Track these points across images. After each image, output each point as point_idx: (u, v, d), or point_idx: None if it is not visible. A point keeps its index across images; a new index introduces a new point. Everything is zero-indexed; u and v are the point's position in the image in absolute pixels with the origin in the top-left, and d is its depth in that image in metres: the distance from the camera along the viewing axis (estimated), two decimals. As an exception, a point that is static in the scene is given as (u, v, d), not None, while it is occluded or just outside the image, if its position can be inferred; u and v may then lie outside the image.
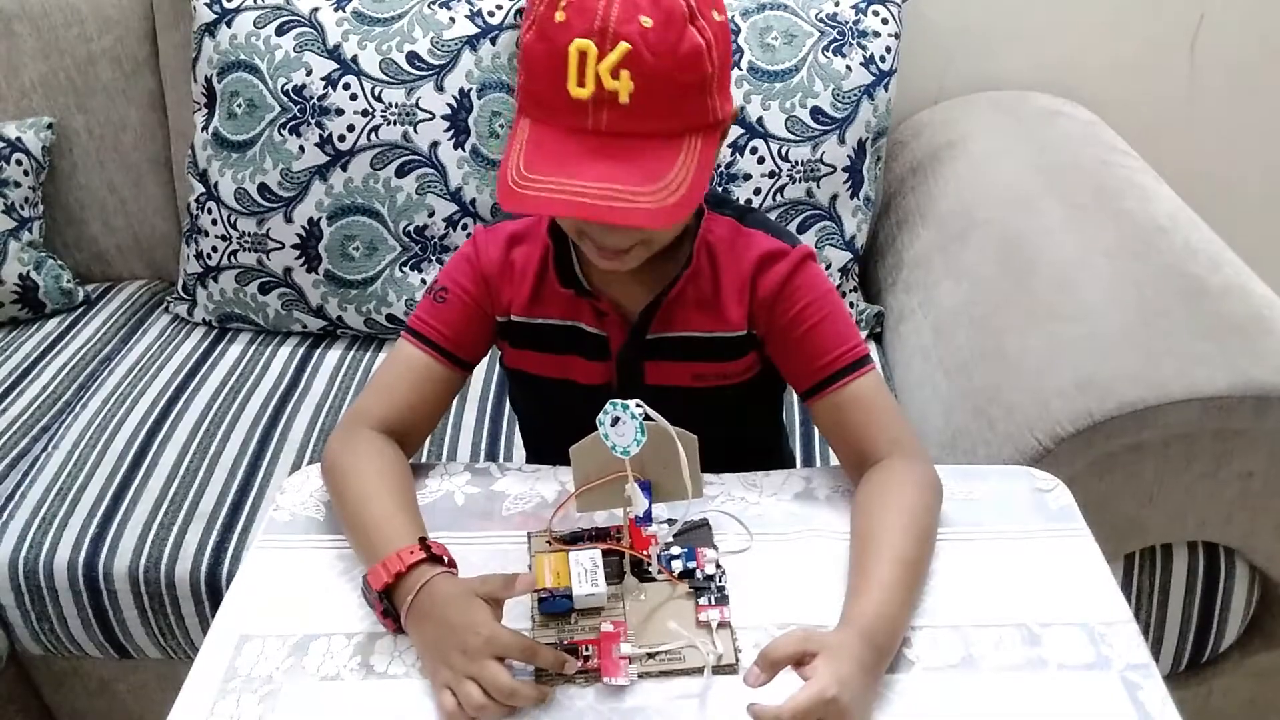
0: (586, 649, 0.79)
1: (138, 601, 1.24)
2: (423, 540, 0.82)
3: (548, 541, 0.89)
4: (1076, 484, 0.97)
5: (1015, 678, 0.78)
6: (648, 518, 0.78)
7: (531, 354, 0.98)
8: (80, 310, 1.72)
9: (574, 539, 0.89)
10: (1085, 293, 1.21)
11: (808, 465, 1.31)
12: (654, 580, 0.86)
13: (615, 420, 0.73)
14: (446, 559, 0.83)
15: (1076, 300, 1.20)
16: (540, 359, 0.98)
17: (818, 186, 1.51)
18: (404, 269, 1.56)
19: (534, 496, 0.96)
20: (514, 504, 0.96)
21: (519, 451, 1.35)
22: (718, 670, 0.79)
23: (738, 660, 0.80)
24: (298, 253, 1.56)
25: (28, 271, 1.67)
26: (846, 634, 0.76)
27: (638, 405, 0.74)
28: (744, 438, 1.07)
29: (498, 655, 0.75)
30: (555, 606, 0.83)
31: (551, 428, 0.81)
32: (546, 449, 1.07)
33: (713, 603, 0.84)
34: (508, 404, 1.44)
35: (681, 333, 0.95)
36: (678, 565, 0.87)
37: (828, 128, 1.50)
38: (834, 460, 0.98)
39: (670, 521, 0.89)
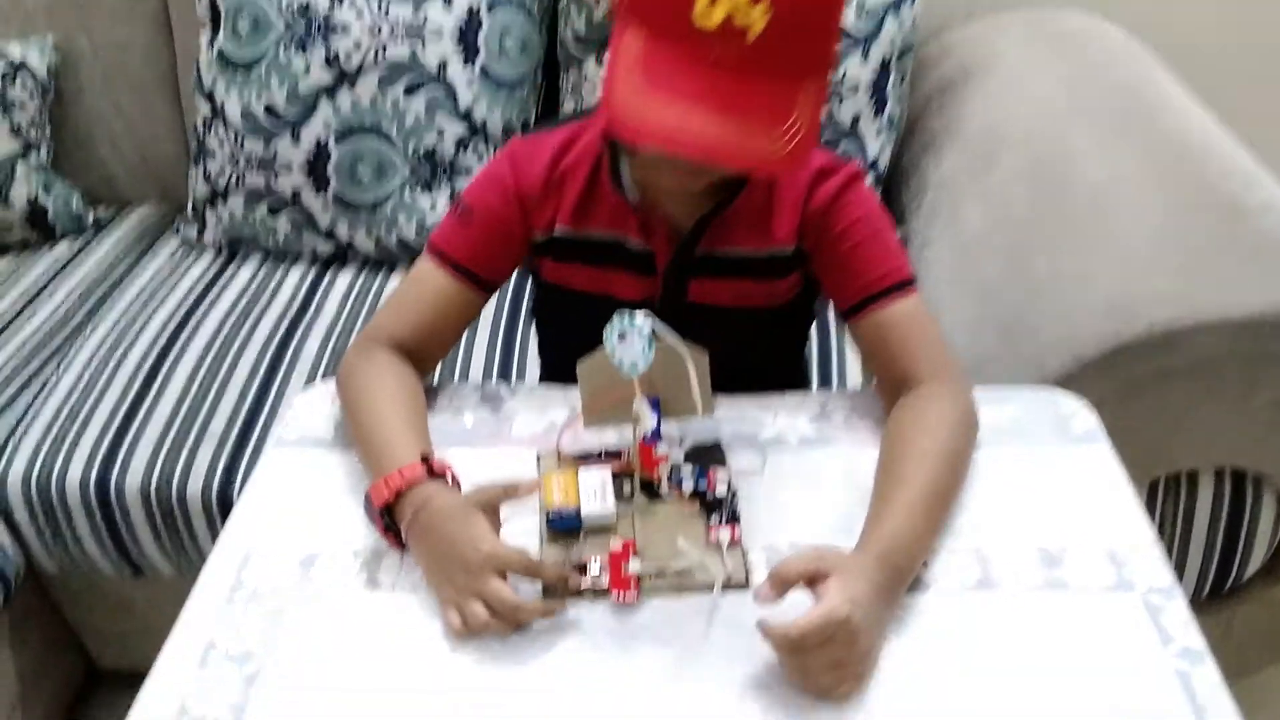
0: (595, 567, 0.78)
1: (149, 519, 1.24)
2: (425, 457, 0.81)
3: (557, 462, 0.87)
4: (1102, 409, 0.94)
5: (1034, 600, 0.76)
6: (657, 435, 0.76)
7: (573, 268, 0.94)
8: (90, 233, 1.71)
9: (583, 459, 0.87)
10: (1117, 214, 1.16)
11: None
12: (664, 500, 0.84)
13: (622, 335, 0.70)
14: (449, 476, 0.81)
15: (1107, 222, 1.16)
16: (582, 273, 0.94)
17: (839, 106, 1.46)
18: (414, 191, 1.53)
19: (545, 418, 0.94)
20: (524, 425, 0.94)
21: (532, 371, 1.33)
22: (727, 588, 0.78)
23: (748, 578, 0.78)
24: (306, 174, 1.53)
25: (36, 195, 1.65)
26: (862, 556, 0.74)
27: (645, 318, 0.71)
28: (768, 369, 1.04)
29: (500, 570, 0.74)
30: (564, 525, 0.81)
31: (580, 344, 0.79)
32: (568, 366, 1.05)
33: (723, 522, 0.82)
34: (520, 323, 1.42)
35: (730, 249, 0.92)
36: (688, 485, 0.85)
37: (850, 45, 1.44)
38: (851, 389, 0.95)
39: (682, 441, 0.87)
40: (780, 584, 0.73)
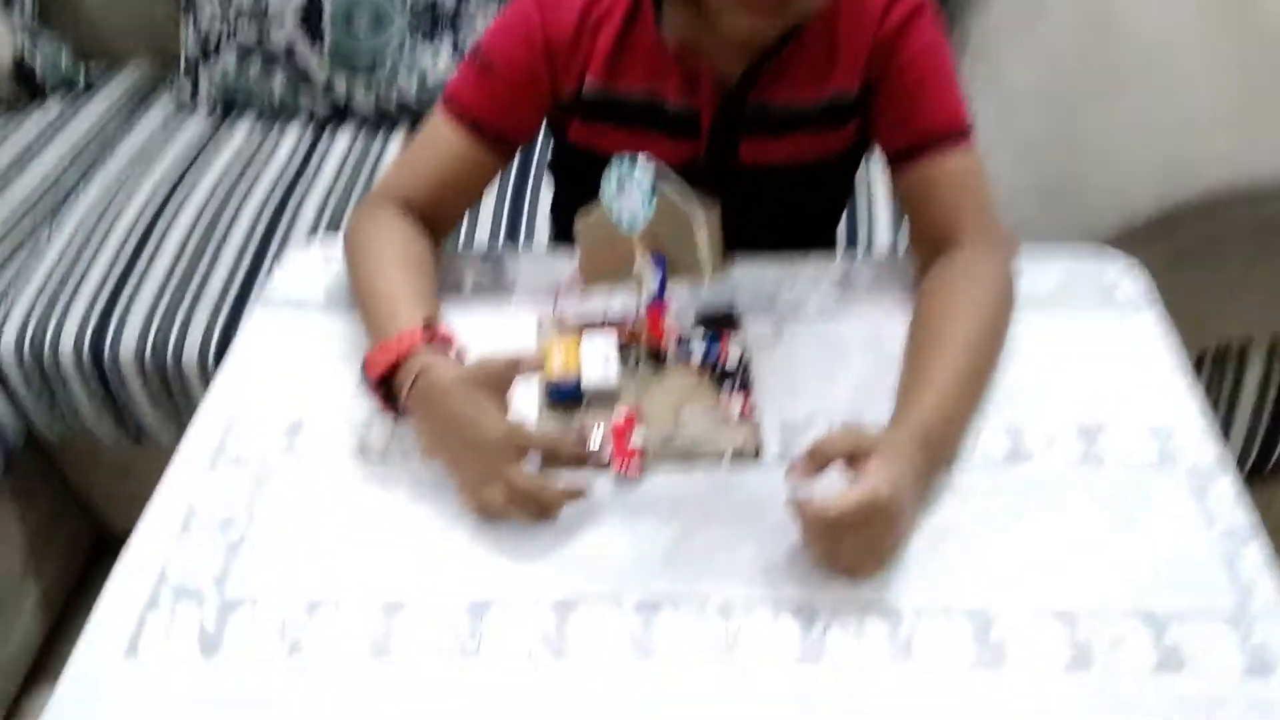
0: (597, 439, 0.73)
1: (145, 384, 1.20)
2: (428, 324, 0.75)
3: (558, 328, 0.82)
4: (1152, 277, 0.86)
5: (1072, 474, 0.71)
6: (661, 297, 0.69)
7: (603, 129, 0.86)
8: (81, 92, 1.63)
9: (587, 325, 0.82)
10: (1174, 68, 1.06)
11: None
12: (672, 370, 0.78)
13: (620, 185, 0.63)
14: (454, 347, 0.75)
15: (1164, 76, 1.06)
16: (613, 135, 0.86)
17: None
18: (415, 44, 1.43)
19: (550, 283, 0.88)
20: (527, 290, 0.88)
21: (542, 231, 1.26)
22: (737, 460, 0.73)
23: (759, 450, 0.73)
24: (300, 26, 1.43)
25: (23, 50, 1.57)
26: (901, 435, 0.68)
27: (645, 164, 0.64)
28: (804, 233, 0.97)
29: (518, 453, 0.68)
30: (564, 396, 0.76)
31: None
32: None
33: (734, 391, 0.77)
34: (531, 178, 1.35)
35: (784, 100, 0.83)
36: (698, 354, 0.79)
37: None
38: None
39: (693, 307, 0.81)
40: (818, 461, 0.67)
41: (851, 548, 0.65)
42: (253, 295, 1.22)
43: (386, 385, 0.73)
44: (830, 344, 0.81)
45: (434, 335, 0.74)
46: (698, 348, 0.80)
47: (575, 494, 0.69)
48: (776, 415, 0.76)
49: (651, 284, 0.69)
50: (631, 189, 0.63)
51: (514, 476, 0.67)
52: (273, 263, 1.26)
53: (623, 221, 0.66)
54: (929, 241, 0.82)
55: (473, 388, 0.69)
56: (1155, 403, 0.76)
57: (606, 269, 0.70)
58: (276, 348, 0.84)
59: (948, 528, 0.68)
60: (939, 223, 0.82)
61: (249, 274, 1.25)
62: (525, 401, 0.76)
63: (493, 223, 1.28)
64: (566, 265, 0.89)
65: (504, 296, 0.87)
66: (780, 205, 0.80)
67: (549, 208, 1.08)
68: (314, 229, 1.31)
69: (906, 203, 0.85)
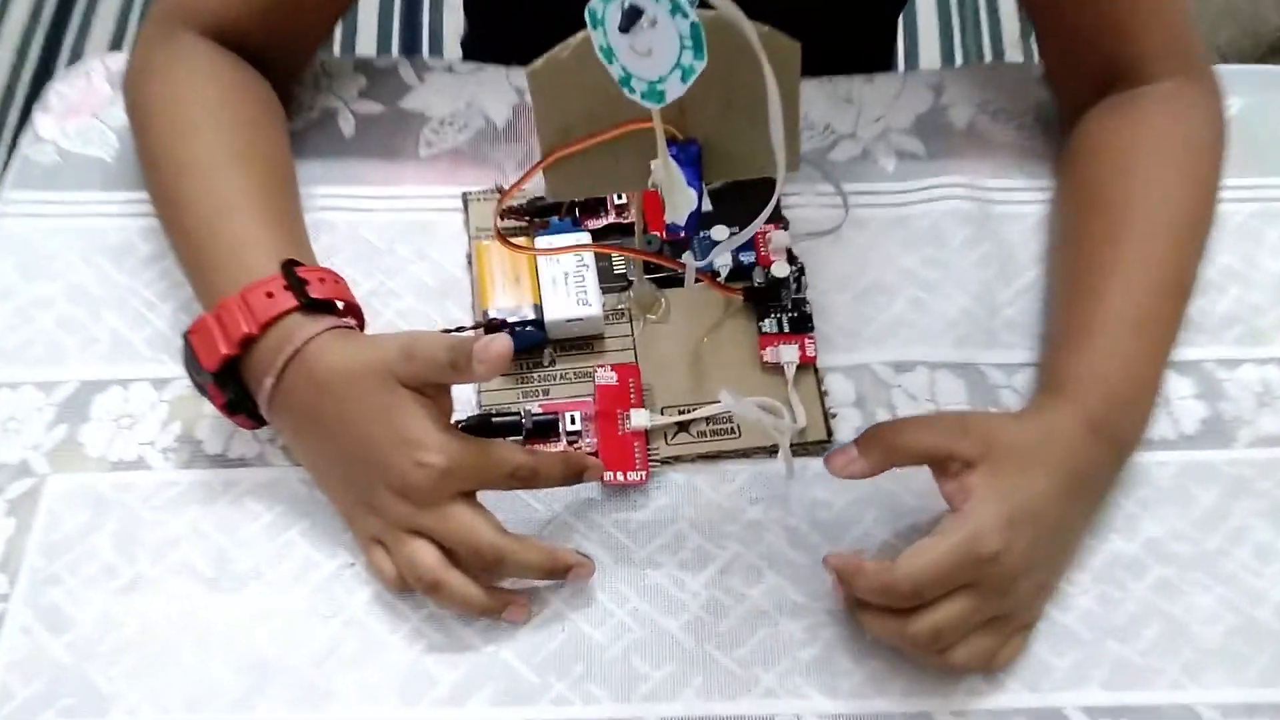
0: (572, 422, 0.46)
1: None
2: (291, 267, 0.43)
3: (499, 215, 0.51)
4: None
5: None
6: (693, 225, 0.39)
7: None
8: None
9: (542, 211, 0.51)
10: None
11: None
12: (685, 289, 0.49)
13: (631, 16, 0.30)
14: (342, 304, 0.44)
15: None
16: None
17: None
18: None
19: (475, 119, 0.56)
20: (440, 134, 0.56)
21: (452, 42, 0.90)
22: (799, 451, 0.46)
23: (830, 433, 0.47)
24: None
25: None
26: (1044, 421, 0.42)
27: None
28: (847, 51, 0.65)
29: (465, 490, 0.40)
30: (522, 339, 0.48)
31: None
32: (515, 34, 0.65)
33: (786, 328, 0.49)
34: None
35: None
36: (723, 260, 0.50)
37: None
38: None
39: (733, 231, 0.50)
40: (880, 455, 0.41)
41: (949, 627, 0.39)
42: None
43: (231, 376, 0.43)
44: (927, 231, 0.53)
45: (302, 289, 0.42)
46: (723, 251, 0.50)
47: (583, 566, 0.42)
48: (847, 363, 0.49)
49: (681, 200, 0.37)
50: (662, 19, 0.30)
51: (460, 528, 0.40)
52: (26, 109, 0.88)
53: (641, 90, 0.34)
54: (1087, 72, 0.52)
55: (393, 386, 0.40)
56: None
57: (588, 162, 0.39)
58: (40, 260, 0.52)
59: (1127, 563, 0.44)
60: (1104, 46, 0.51)
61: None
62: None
63: (379, 29, 0.90)
64: (499, 88, 0.57)
65: (405, 146, 0.55)
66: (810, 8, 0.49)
67: (461, 2, 0.72)
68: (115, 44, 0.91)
69: (1044, 25, 0.54)
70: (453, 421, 0.44)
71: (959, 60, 1.16)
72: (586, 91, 0.35)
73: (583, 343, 0.49)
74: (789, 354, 0.48)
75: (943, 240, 0.53)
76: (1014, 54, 1.12)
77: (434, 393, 0.40)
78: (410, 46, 0.95)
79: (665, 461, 0.46)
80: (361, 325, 0.45)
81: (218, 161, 0.47)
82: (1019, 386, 0.48)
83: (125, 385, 0.48)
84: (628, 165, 0.38)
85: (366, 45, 0.95)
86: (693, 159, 0.37)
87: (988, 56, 1.16)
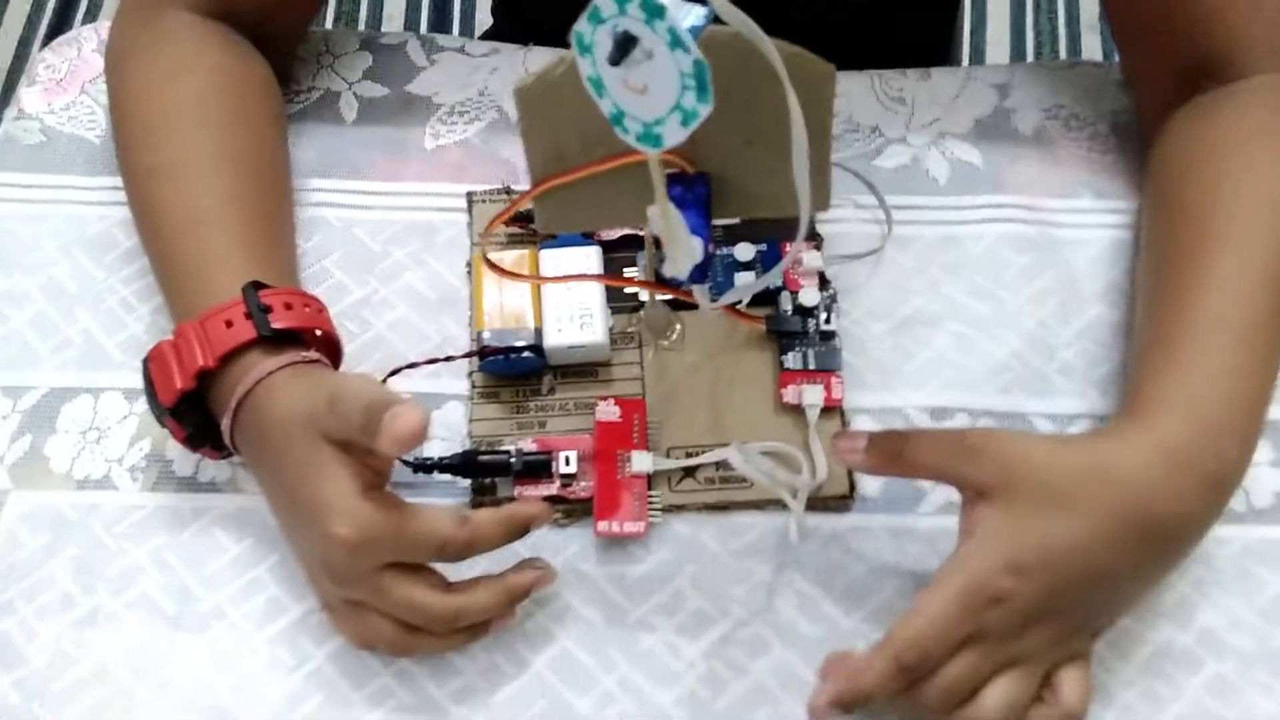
0: (566, 463, 0.42)
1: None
2: (254, 291, 0.39)
3: (505, 222, 0.46)
4: None
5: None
6: (701, 274, 0.33)
7: None
8: None
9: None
10: None
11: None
12: (701, 316, 0.44)
13: (623, 46, 0.25)
14: (314, 333, 0.40)
15: None
16: None
17: None
18: None
19: (487, 109, 0.52)
20: (449, 124, 0.51)
21: (482, 13, 0.85)
22: (818, 506, 0.42)
23: (853, 487, 0.42)
24: None
25: None
26: (1106, 451, 0.35)
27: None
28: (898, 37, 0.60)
29: (392, 561, 0.36)
30: (509, 366, 0.43)
31: None
32: (538, 25, 0.59)
33: (811, 364, 0.44)
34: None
35: None
36: (745, 280, 0.45)
37: None
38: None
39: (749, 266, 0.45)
40: (882, 459, 0.37)
41: (965, 678, 0.34)
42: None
43: (194, 405, 0.39)
44: (981, 259, 0.47)
45: (264, 319, 0.38)
46: (743, 271, 0.45)
47: (523, 588, 0.38)
48: (880, 406, 0.44)
49: (685, 250, 0.32)
50: (657, 52, 0.25)
51: (392, 593, 0.36)
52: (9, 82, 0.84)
53: (633, 125, 0.28)
54: (1174, 70, 0.45)
55: (317, 443, 0.35)
56: None
57: (580, 197, 0.34)
58: (17, 242, 0.49)
59: (1178, 656, 0.39)
60: (1194, 36, 0.44)
61: None
62: (450, 370, 0.44)
63: (407, 5, 0.85)
64: (516, 69, 0.52)
65: (407, 138, 0.51)
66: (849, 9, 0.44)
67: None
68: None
69: (1120, 17, 0.47)
70: (437, 458, 0.41)
71: (1030, 43, 1.07)
72: (583, 115, 0.30)
73: (586, 369, 0.44)
74: (812, 395, 0.43)
75: (997, 268, 0.47)
76: (1090, 37, 1.03)
77: (360, 450, 0.35)
78: (441, 10, 0.90)
79: (668, 510, 0.42)
80: (335, 356, 0.41)
81: (196, 163, 0.43)
82: (1071, 441, 0.43)
83: (95, 394, 0.45)
84: (628, 198, 0.33)
85: (394, 9, 0.90)
86: (699, 200, 0.32)
87: (1062, 40, 1.06)
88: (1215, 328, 0.38)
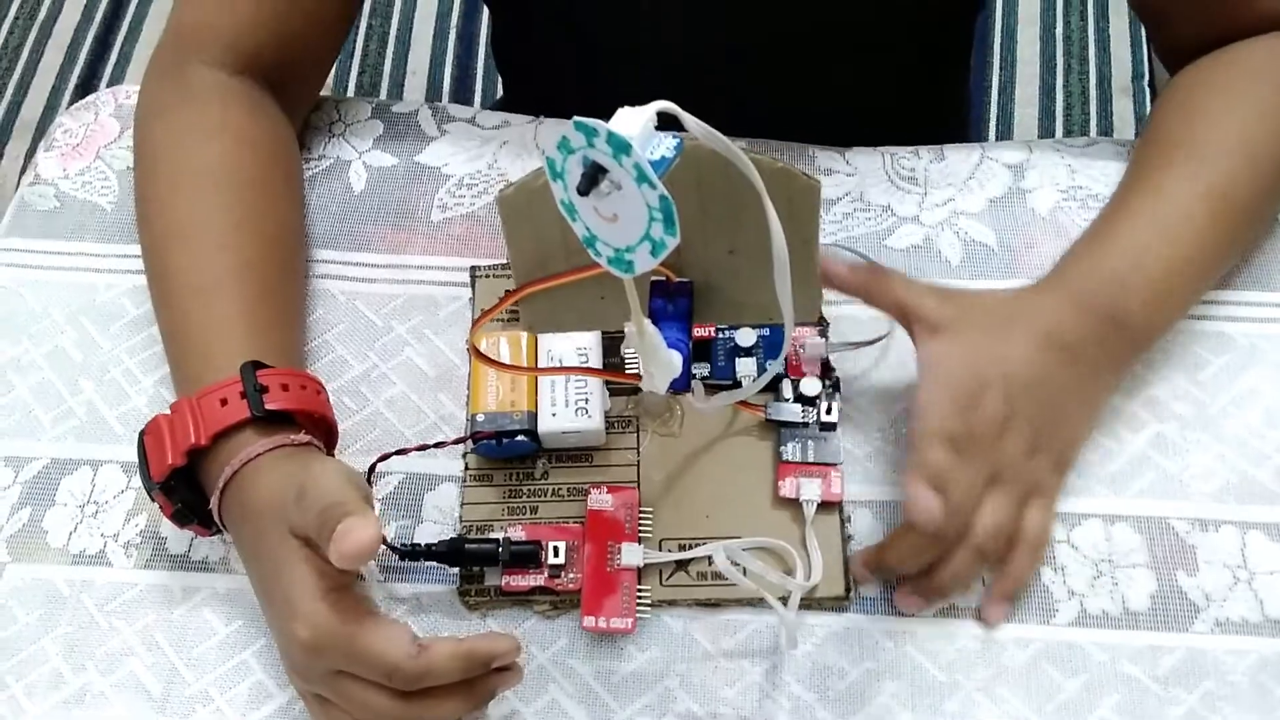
0: (555, 554, 0.41)
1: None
2: (252, 371, 0.39)
3: (506, 289, 0.45)
4: None
5: None
6: (685, 383, 0.33)
7: None
8: None
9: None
10: None
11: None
12: (697, 405, 0.44)
13: (592, 176, 0.24)
14: (308, 416, 0.40)
15: None
16: None
17: None
18: None
19: (495, 182, 0.51)
20: (456, 197, 0.51)
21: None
22: (813, 606, 0.41)
23: (849, 588, 0.41)
24: None
25: None
26: (1031, 294, 0.43)
27: (649, 122, 0.24)
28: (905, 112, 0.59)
29: (345, 670, 0.35)
30: (502, 450, 0.43)
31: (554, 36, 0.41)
32: (544, 76, 0.59)
33: (810, 456, 0.43)
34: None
35: None
36: (748, 367, 0.44)
37: None
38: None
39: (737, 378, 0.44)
40: (859, 285, 0.42)
41: (964, 492, 0.39)
42: None
43: (186, 480, 0.39)
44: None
45: (258, 401, 0.38)
46: (744, 357, 0.44)
47: (484, 658, 0.36)
48: (877, 498, 0.43)
49: (658, 372, 0.31)
50: (625, 183, 0.25)
51: (352, 696, 0.35)
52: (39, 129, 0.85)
53: (605, 249, 0.27)
54: (1192, 37, 0.47)
55: (284, 537, 0.35)
56: None
57: (564, 301, 0.33)
58: (26, 310, 0.49)
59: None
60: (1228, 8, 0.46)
61: None
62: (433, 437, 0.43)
63: (430, 70, 0.85)
64: (524, 138, 0.52)
65: (414, 206, 0.51)
66: (852, 62, 0.46)
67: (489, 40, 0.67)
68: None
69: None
70: (425, 545, 0.40)
71: (1059, 105, 1.05)
72: (564, 223, 0.30)
73: (582, 454, 0.44)
74: (810, 490, 0.42)
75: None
76: (1122, 100, 1.00)
77: (320, 560, 0.35)
78: (463, 77, 0.90)
79: (657, 605, 0.41)
80: (330, 437, 0.41)
81: (212, 230, 0.43)
82: (1078, 542, 0.42)
83: (95, 467, 0.45)
84: (611, 303, 0.33)
85: (416, 78, 0.91)
86: (681, 313, 0.31)
87: (1093, 103, 1.04)
88: (1143, 222, 0.43)
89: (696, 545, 0.41)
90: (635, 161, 0.23)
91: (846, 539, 0.42)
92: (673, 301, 0.31)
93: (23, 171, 0.80)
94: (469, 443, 0.43)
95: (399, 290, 0.49)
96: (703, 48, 0.53)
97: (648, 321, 0.30)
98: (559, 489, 0.43)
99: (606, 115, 0.55)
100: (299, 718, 0.39)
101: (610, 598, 0.40)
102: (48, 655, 0.41)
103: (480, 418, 0.43)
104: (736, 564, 0.37)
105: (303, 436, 0.39)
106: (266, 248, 0.44)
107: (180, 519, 0.40)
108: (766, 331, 0.45)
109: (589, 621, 0.40)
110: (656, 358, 0.31)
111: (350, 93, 1.09)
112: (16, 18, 1.25)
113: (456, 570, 0.41)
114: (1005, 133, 1.07)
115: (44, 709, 0.40)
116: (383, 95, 1.03)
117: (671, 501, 0.43)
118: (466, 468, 0.44)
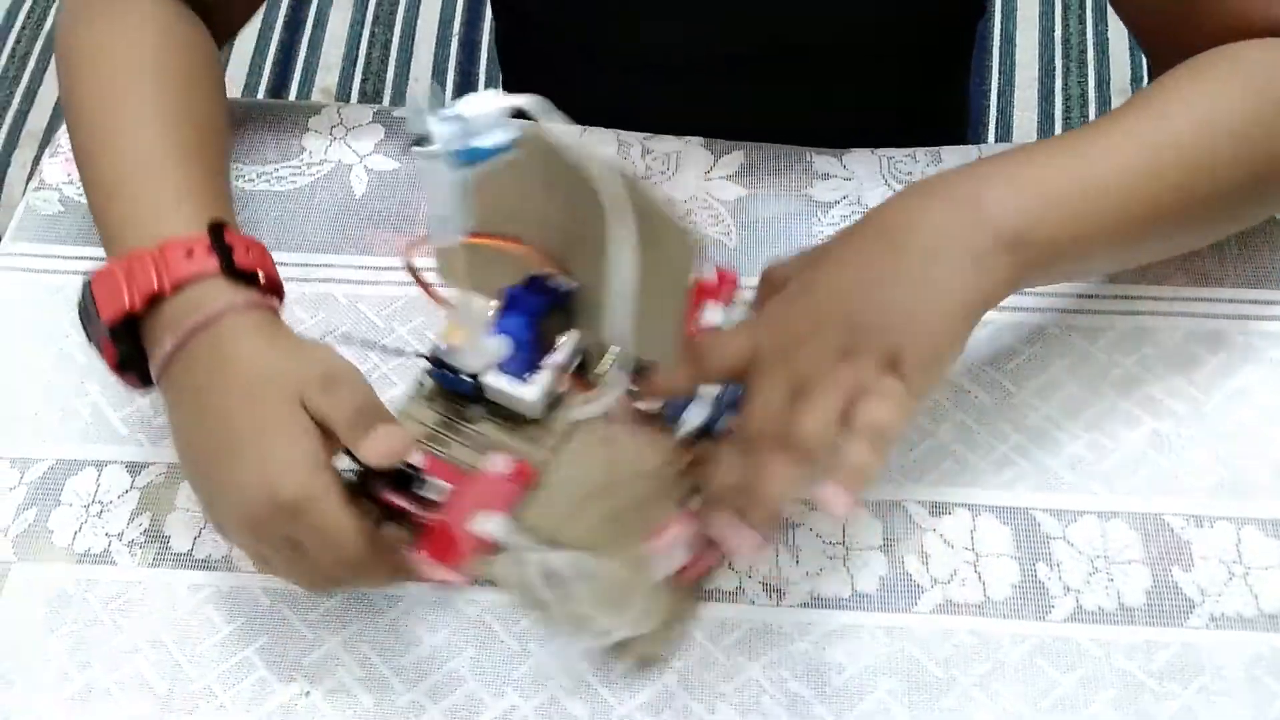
0: (429, 485, 0.39)
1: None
2: (218, 230, 0.40)
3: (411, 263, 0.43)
4: None
5: None
6: (514, 365, 0.33)
7: None
8: None
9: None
10: None
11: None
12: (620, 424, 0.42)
13: (418, 141, 0.25)
14: (263, 278, 0.40)
15: None
16: None
17: None
18: None
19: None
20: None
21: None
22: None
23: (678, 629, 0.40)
24: None
25: None
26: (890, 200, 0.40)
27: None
28: (905, 113, 0.60)
29: (343, 573, 0.37)
30: (449, 383, 0.43)
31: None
32: (545, 67, 0.60)
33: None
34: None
35: None
36: (696, 418, 0.42)
37: None
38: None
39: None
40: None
41: (810, 360, 0.36)
42: None
43: (129, 330, 0.39)
44: (983, 347, 0.46)
45: (227, 255, 0.39)
46: (697, 405, 0.42)
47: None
48: (876, 496, 0.43)
49: (472, 355, 0.32)
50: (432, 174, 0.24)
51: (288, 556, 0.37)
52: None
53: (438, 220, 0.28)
54: (1185, 42, 0.44)
55: (293, 405, 0.37)
56: None
57: (478, 254, 0.33)
58: (31, 319, 0.50)
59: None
60: (1223, 9, 0.44)
61: None
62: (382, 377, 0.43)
63: (433, 57, 0.86)
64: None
65: (418, 217, 0.52)
66: (854, 63, 0.45)
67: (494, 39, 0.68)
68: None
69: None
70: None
71: (1058, 108, 1.04)
72: (499, 199, 0.30)
73: (517, 420, 0.42)
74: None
75: (1000, 359, 0.46)
76: (1120, 101, 1.01)
77: (329, 431, 0.37)
78: (467, 64, 0.91)
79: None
80: (280, 300, 0.42)
81: (147, 115, 0.44)
82: (1073, 538, 0.42)
83: (100, 467, 0.45)
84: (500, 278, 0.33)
85: (421, 59, 0.91)
86: (533, 309, 0.32)
87: (1092, 105, 1.04)
88: (1062, 158, 0.39)
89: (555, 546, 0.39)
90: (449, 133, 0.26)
91: (691, 592, 0.41)
92: (532, 295, 0.32)
93: (29, 178, 0.81)
94: (427, 363, 0.43)
95: (399, 292, 0.50)
96: (702, 52, 0.53)
97: (478, 297, 0.32)
98: (480, 439, 0.42)
99: (608, 119, 0.55)
100: (302, 713, 0.40)
101: (451, 553, 0.39)
102: (53, 653, 0.42)
103: (443, 346, 0.42)
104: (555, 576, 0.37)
105: (271, 300, 0.40)
106: (202, 133, 0.45)
107: (122, 369, 0.40)
108: (725, 396, 0.42)
109: (429, 570, 0.39)
110: (474, 339, 0.32)
111: (353, 100, 1.11)
112: (23, 27, 1.26)
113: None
114: (1004, 136, 1.08)
115: (50, 706, 0.40)
116: (385, 103, 1.04)
117: (564, 495, 0.41)
118: (420, 384, 0.44)
